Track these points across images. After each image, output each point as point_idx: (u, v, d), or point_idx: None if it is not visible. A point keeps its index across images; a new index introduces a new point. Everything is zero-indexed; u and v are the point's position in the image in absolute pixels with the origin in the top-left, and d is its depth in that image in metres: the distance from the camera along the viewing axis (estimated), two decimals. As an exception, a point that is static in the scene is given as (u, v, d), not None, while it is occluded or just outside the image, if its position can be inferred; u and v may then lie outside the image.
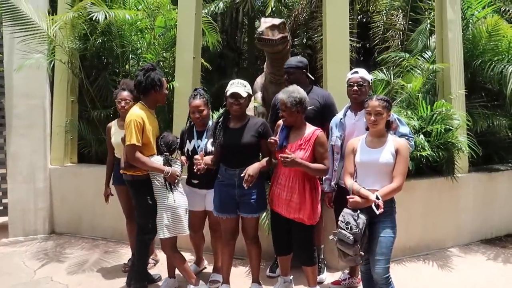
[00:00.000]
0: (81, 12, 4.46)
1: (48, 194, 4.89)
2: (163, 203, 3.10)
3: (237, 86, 3.00)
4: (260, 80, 4.66)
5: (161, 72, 3.26)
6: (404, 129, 2.97)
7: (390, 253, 2.58)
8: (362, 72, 3.10)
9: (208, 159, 3.07)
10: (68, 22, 4.41)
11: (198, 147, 3.22)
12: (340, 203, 2.93)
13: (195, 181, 3.26)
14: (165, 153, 3.10)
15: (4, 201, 5.07)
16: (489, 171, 4.69)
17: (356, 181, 2.69)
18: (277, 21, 4.15)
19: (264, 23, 4.07)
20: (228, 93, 3.00)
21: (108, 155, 3.75)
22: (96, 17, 4.34)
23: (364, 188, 2.58)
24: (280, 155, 2.78)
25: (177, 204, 3.10)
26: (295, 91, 2.87)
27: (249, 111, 4.05)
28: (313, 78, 3.58)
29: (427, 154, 3.84)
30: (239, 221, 3.16)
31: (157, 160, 3.08)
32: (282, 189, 2.92)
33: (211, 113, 3.43)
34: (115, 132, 3.58)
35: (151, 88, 3.06)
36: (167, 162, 3.08)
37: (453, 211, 4.39)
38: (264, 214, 3.36)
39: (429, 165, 4.17)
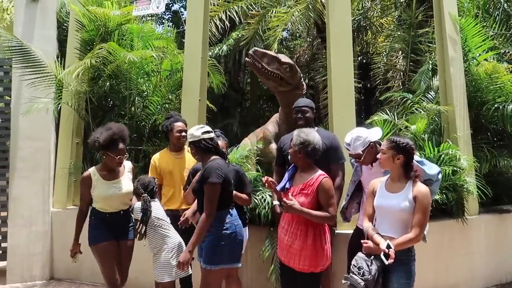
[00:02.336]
0: (98, 59, 4.54)
1: (48, 238, 4.77)
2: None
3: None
4: (272, 128, 4.53)
5: (178, 117, 3.57)
6: (430, 170, 2.73)
7: None
8: (353, 145, 2.95)
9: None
10: (82, 67, 4.46)
11: None
12: (356, 245, 2.83)
13: None
14: (143, 195, 3.08)
15: (3, 245, 4.94)
16: (500, 212, 4.60)
17: (375, 224, 2.60)
18: (283, 57, 4.18)
19: (270, 52, 4.18)
20: None
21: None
22: (120, 58, 4.41)
23: (379, 233, 2.50)
24: (283, 199, 2.72)
25: (171, 247, 3.05)
26: (305, 132, 2.83)
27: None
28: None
29: (437, 198, 3.79)
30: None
31: (137, 205, 3.09)
32: (285, 234, 2.83)
33: None
34: (99, 184, 3.21)
35: (165, 134, 3.59)
36: (145, 203, 3.03)
37: (465, 255, 4.26)
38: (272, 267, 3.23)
39: (439, 207, 4.08)
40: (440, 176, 2.83)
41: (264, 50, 4.25)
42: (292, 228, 2.78)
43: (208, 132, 2.90)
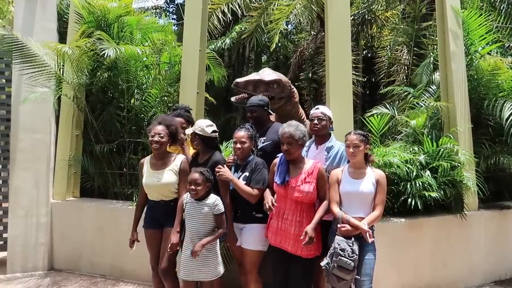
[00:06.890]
0: (86, 48, 4.56)
1: (48, 229, 4.82)
2: None
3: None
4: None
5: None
6: None
7: (373, 273, 2.78)
8: (323, 108, 3.36)
9: None
10: (75, 57, 4.48)
11: None
12: None
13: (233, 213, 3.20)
14: None
15: (4, 235, 5.01)
16: (500, 208, 4.54)
17: (341, 209, 2.86)
18: (267, 75, 4.09)
19: (251, 77, 4.12)
20: None
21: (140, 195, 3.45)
22: (107, 54, 4.39)
23: (351, 217, 2.78)
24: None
25: None
26: (299, 125, 2.99)
27: None
28: (272, 114, 3.67)
29: (435, 195, 3.78)
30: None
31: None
32: (289, 224, 2.91)
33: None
34: (146, 171, 3.29)
35: None
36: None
37: (464, 251, 4.22)
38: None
39: (437, 203, 4.03)
40: None
41: (245, 78, 4.13)
42: (297, 217, 2.90)
43: (216, 131, 3.25)
